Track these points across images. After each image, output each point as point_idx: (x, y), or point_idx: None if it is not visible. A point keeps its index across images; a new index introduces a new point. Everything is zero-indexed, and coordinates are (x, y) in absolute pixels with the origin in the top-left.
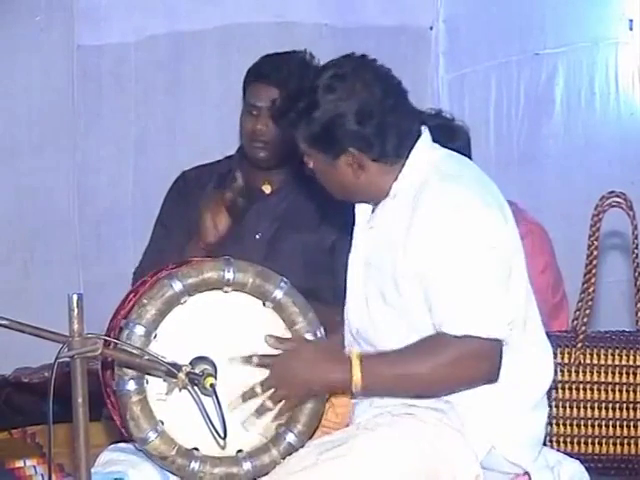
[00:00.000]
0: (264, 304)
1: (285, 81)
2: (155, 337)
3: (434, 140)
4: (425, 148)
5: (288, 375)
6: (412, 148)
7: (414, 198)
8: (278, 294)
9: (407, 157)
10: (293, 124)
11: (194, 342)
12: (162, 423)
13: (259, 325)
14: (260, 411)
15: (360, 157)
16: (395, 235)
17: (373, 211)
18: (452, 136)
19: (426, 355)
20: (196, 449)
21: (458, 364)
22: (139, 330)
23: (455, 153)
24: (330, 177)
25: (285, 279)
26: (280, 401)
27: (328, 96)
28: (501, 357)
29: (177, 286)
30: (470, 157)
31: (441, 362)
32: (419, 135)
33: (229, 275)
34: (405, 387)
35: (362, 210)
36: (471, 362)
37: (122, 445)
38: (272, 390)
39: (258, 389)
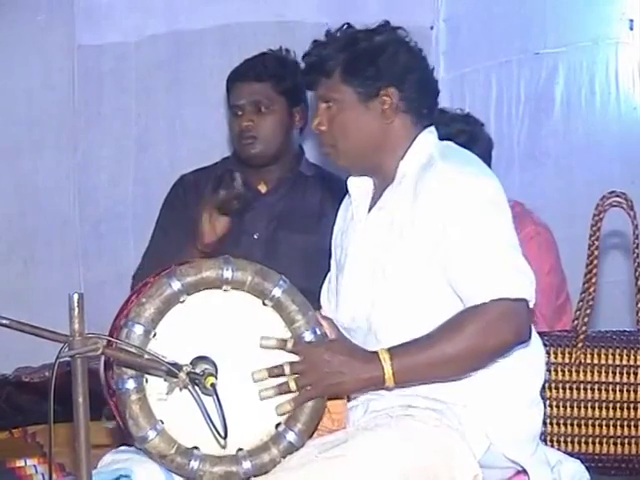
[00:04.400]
0: (264, 303)
1: (262, 73)
2: (154, 336)
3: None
4: (431, 134)
5: (321, 364)
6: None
7: (417, 178)
8: (277, 292)
9: (415, 139)
10: (332, 60)
11: (194, 341)
12: (162, 422)
13: (259, 324)
14: (281, 388)
15: (397, 101)
16: (402, 214)
17: (380, 195)
18: (471, 144)
19: (454, 331)
20: (196, 448)
21: (488, 330)
22: (138, 329)
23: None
24: (357, 123)
25: (284, 277)
26: (304, 387)
27: (376, 36)
28: (530, 316)
29: (176, 285)
30: (489, 166)
31: (470, 333)
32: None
33: (228, 274)
34: (439, 370)
35: (362, 201)
36: (500, 325)
37: (125, 447)
38: (300, 374)
39: (287, 368)
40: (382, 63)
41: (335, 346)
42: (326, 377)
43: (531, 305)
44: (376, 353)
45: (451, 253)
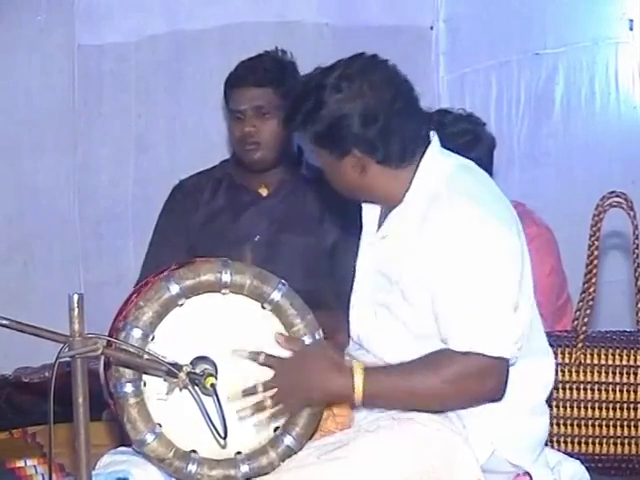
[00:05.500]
0: (263, 306)
1: (262, 79)
2: (153, 339)
3: (456, 145)
4: (435, 156)
5: (291, 379)
6: (423, 155)
7: (424, 211)
8: (276, 296)
9: (418, 165)
10: (301, 123)
11: (193, 344)
12: (160, 426)
13: (257, 327)
14: (258, 407)
15: (363, 159)
16: (405, 247)
17: (385, 219)
18: (475, 144)
19: (430, 370)
20: (194, 451)
21: (462, 381)
22: (136, 333)
23: (467, 163)
24: (336, 176)
25: (283, 281)
26: (278, 403)
27: (334, 95)
28: (507, 376)
29: (174, 288)
30: (491, 165)
31: (444, 378)
32: (428, 141)
33: (226, 277)
34: (407, 402)
35: (371, 217)
36: (475, 379)
37: (123, 448)
38: (272, 390)
39: (260, 388)
40: (343, 131)
41: (308, 355)
42: (295, 391)
43: (512, 363)
44: (351, 368)
45: (442, 294)
